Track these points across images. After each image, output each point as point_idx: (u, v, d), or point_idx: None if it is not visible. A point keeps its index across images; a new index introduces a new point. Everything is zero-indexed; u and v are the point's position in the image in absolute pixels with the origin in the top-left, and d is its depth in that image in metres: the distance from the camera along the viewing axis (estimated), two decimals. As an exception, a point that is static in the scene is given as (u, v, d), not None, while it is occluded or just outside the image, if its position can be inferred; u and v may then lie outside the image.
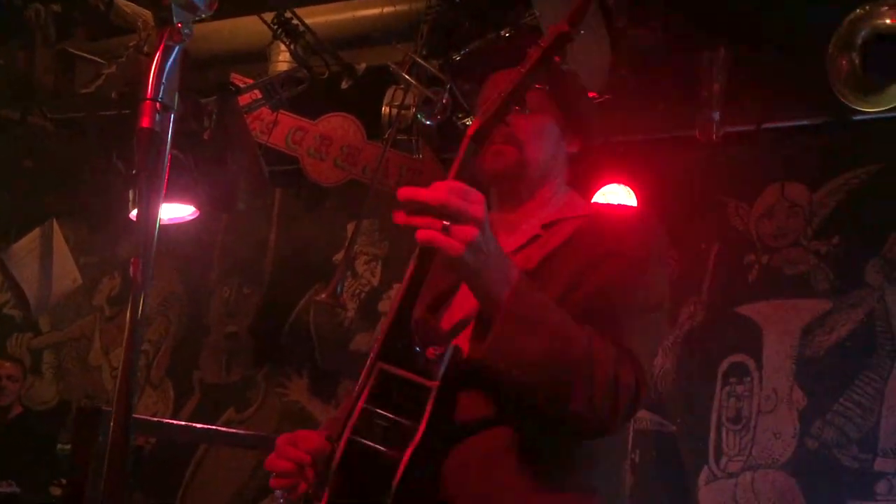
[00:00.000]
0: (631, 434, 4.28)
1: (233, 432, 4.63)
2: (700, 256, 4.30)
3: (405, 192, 1.33)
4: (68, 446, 4.35)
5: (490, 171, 1.65)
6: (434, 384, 1.41)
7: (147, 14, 3.71)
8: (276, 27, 3.66)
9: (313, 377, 5.13)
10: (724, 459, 4.05)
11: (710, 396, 4.13)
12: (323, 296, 3.59)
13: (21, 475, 4.82)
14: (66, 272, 4.83)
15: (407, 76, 3.43)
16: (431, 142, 4.02)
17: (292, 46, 3.68)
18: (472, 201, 1.32)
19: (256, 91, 3.87)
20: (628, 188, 4.19)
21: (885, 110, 3.48)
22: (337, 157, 4.41)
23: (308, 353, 5.23)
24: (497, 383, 1.43)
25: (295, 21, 3.64)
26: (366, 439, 1.40)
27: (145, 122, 1.08)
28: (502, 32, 3.28)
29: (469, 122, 3.07)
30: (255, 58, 4.11)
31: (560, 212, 1.67)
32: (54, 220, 4.75)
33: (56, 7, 4.14)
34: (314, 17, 3.83)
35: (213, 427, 4.66)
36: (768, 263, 4.16)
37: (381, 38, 3.86)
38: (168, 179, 1.12)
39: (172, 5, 1.13)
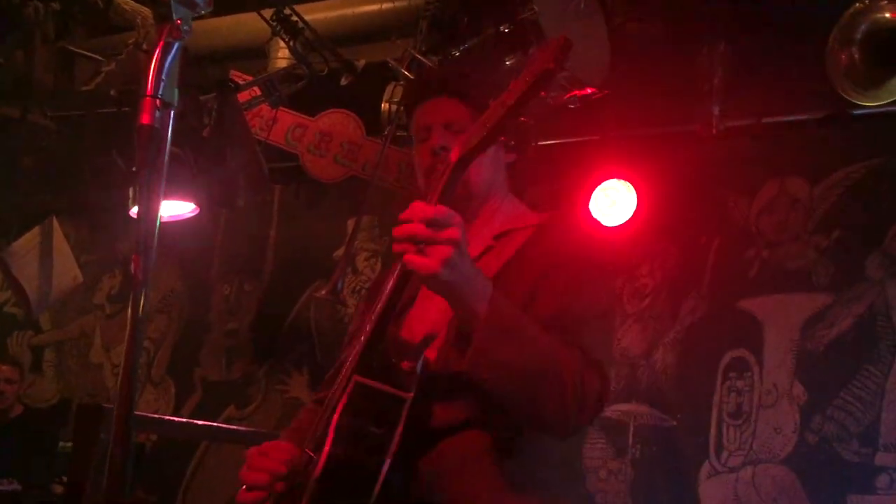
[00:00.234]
0: (632, 429, 4.29)
1: (234, 429, 4.63)
2: (700, 251, 4.30)
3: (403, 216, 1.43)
4: (70, 444, 4.34)
5: None
6: (409, 395, 1.49)
7: (146, 11, 3.71)
8: (275, 24, 3.65)
9: (314, 374, 5.13)
10: (724, 454, 4.05)
11: (710, 391, 4.13)
12: (323, 292, 3.60)
13: (23, 473, 4.82)
14: (67, 270, 4.82)
15: (406, 72, 3.43)
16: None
17: (291, 43, 3.68)
18: (450, 223, 1.40)
19: (256, 88, 3.87)
20: (628, 183, 4.19)
21: (885, 104, 3.48)
22: (337, 153, 4.41)
23: (309, 349, 5.23)
24: (476, 391, 1.50)
25: (294, 18, 3.64)
26: (346, 450, 1.46)
27: (145, 119, 1.08)
28: (501, 28, 3.28)
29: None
30: (255, 54, 4.11)
31: (509, 222, 1.77)
32: (54, 217, 4.74)
33: (55, 5, 4.14)
34: (313, 14, 3.83)
35: (214, 424, 4.67)
36: (769, 258, 4.16)
37: (381, 35, 3.86)
38: (168, 176, 1.12)
39: (172, 2, 1.12)
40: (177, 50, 1.11)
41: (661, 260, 4.40)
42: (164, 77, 1.08)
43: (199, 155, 3.55)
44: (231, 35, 4.21)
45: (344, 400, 1.50)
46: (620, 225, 4.20)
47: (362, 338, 1.55)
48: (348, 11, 3.98)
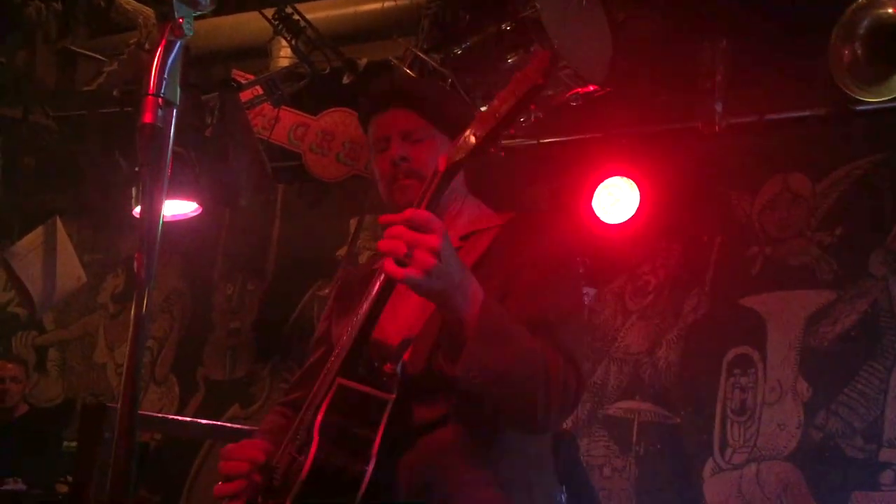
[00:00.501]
0: (636, 426, 4.29)
1: (238, 428, 4.62)
2: (703, 248, 4.30)
3: (384, 220, 1.49)
4: (74, 444, 4.35)
5: (399, 205, 1.75)
6: (391, 397, 1.54)
7: (148, 10, 3.71)
8: (277, 23, 3.65)
9: (317, 373, 5.13)
10: (728, 451, 4.05)
11: (714, 388, 4.13)
12: (326, 291, 3.60)
13: (27, 473, 4.83)
14: (71, 270, 4.82)
15: (408, 70, 3.43)
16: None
17: (293, 42, 3.67)
18: (432, 230, 1.43)
19: (258, 87, 3.87)
20: (630, 181, 4.19)
21: (888, 100, 3.47)
22: (339, 152, 4.41)
23: (312, 348, 5.23)
24: (455, 389, 1.53)
25: (296, 16, 3.64)
26: (331, 452, 1.50)
27: (147, 118, 1.07)
28: (503, 26, 3.28)
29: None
30: (257, 54, 4.10)
31: (473, 224, 1.79)
32: (57, 218, 4.74)
33: (57, 4, 4.14)
34: (315, 13, 3.83)
35: (218, 423, 4.67)
36: (772, 255, 4.16)
37: (382, 33, 3.86)
38: (170, 176, 1.12)
39: (173, 1, 1.12)
40: (179, 49, 1.11)
41: (663, 257, 4.40)
42: (166, 76, 1.08)
43: (201, 154, 3.55)
44: (233, 34, 4.21)
45: (327, 402, 1.54)
46: (623, 222, 4.20)
47: (346, 340, 1.58)
48: (350, 10, 3.98)
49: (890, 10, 3.31)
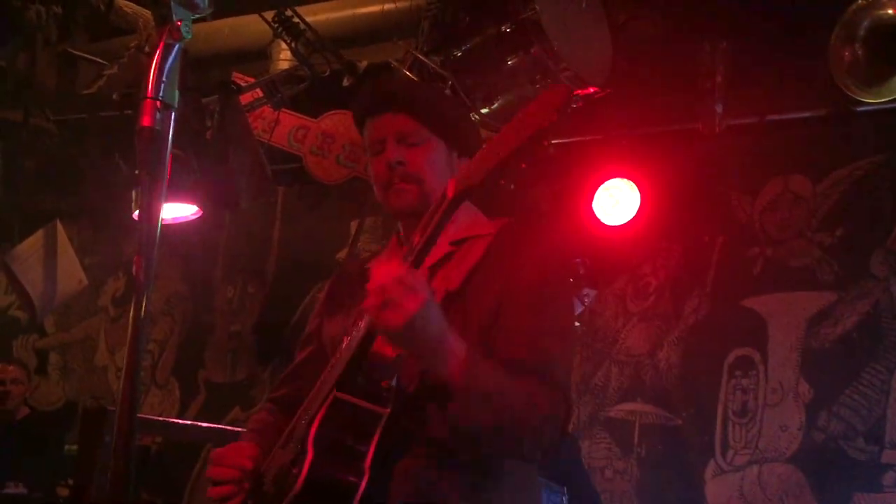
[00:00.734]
0: (637, 428, 4.28)
1: (239, 431, 4.62)
2: (704, 250, 4.29)
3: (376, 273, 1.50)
4: (75, 447, 4.35)
5: (395, 209, 1.78)
6: (386, 411, 1.56)
7: (147, 14, 3.71)
8: (276, 25, 3.65)
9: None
10: (730, 453, 4.05)
11: (715, 390, 4.12)
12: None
13: (28, 476, 4.83)
14: (72, 273, 4.82)
15: (408, 73, 3.42)
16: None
17: (293, 44, 3.67)
18: (410, 289, 1.44)
19: (258, 90, 3.87)
20: (631, 182, 4.19)
21: (889, 101, 3.47)
22: (339, 154, 4.41)
23: (313, 351, 5.22)
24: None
25: (296, 19, 3.64)
26: (326, 465, 1.53)
27: (146, 121, 1.07)
28: (503, 28, 3.27)
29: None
30: (257, 56, 4.11)
31: (465, 230, 1.78)
32: (58, 221, 4.74)
33: (57, 8, 4.14)
34: (315, 15, 3.83)
35: (219, 426, 4.66)
36: (772, 256, 4.15)
37: (382, 35, 3.86)
38: (170, 179, 1.11)
39: (172, 3, 1.12)
40: (177, 51, 1.10)
41: (664, 259, 4.39)
42: (164, 78, 1.08)
43: (201, 157, 3.55)
44: (233, 37, 4.21)
45: (322, 414, 1.56)
46: (623, 224, 4.20)
47: (344, 353, 1.60)
48: (350, 12, 3.98)
49: (890, 11, 3.31)
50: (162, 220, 1.11)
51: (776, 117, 4.03)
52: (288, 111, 4.25)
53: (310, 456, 1.52)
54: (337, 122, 4.41)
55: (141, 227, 1.07)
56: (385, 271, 1.47)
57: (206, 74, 4.16)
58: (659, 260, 4.40)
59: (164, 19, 1.10)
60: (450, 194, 1.49)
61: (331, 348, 1.80)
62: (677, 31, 3.78)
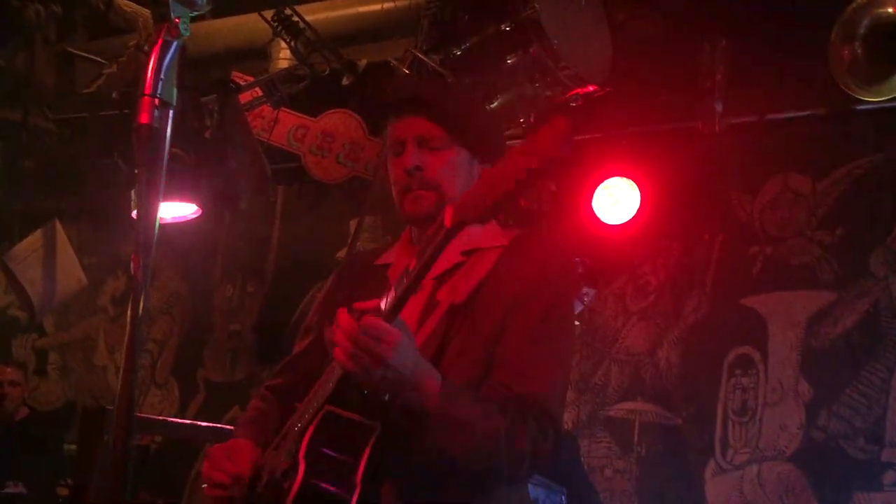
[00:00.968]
0: (637, 427, 4.28)
1: (238, 430, 4.61)
2: (704, 248, 4.29)
3: (342, 319, 1.53)
4: (75, 447, 4.35)
5: (411, 215, 1.76)
6: (377, 425, 1.57)
7: (147, 13, 3.71)
8: (276, 24, 3.65)
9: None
10: (730, 452, 4.04)
11: (715, 389, 4.12)
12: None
13: (28, 476, 4.83)
14: (71, 273, 4.81)
15: (408, 71, 3.42)
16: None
17: (293, 43, 3.67)
18: (383, 341, 1.46)
19: (257, 89, 3.86)
20: (630, 181, 4.18)
21: (888, 99, 3.47)
22: (339, 153, 4.40)
23: (312, 350, 5.21)
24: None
25: (295, 18, 3.63)
26: (317, 478, 1.54)
27: (144, 119, 1.07)
28: (503, 26, 3.27)
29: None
30: (256, 56, 4.10)
31: (477, 240, 1.76)
32: (57, 220, 4.74)
33: (56, 7, 4.13)
34: (314, 14, 3.82)
35: (219, 425, 4.66)
36: (772, 255, 4.15)
37: (382, 34, 3.85)
38: (170, 178, 1.11)
39: (170, 1, 1.11)
40: (175, 49, 1.10)
41: (664, 257, 4.39)
42: (162, 76, 1.08)
43: (200, 156, 3.55)
44: (232, 36, 4.20)
45: (313, 426, 1.58)
46: (623, 223, 4.19)
47: (337, 370, 1.60)
48: (349, 11, 3.97)
49: (890, 10, 3.30)
50: (160, 218, 1.11)
51: (776, 116, 4.03)
52: (287, 110, 4.25)
53: (301, 469, 1.54)
54: (336, 121, 4.41)
55: (139, 225, 1.06)
56: (347, 321, 1.50)
57: (205, 73, 4.15)
58: (659, 259, 4.40)
59: (162, 17, 1.10)
60: (447, 223, 1.47)
61: (330, 350, 1.80)
62: (677, 30, 3.78)
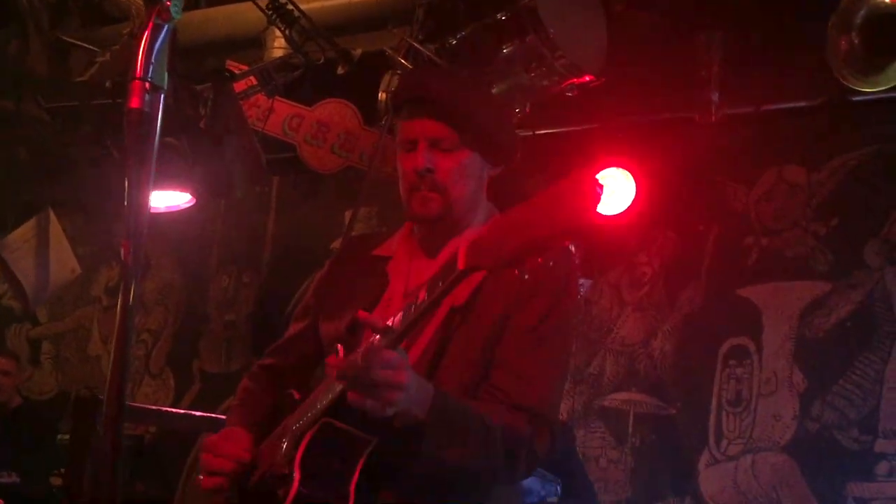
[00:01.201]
0: (631, 417, 4.28)
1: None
2: (699, 239, 4.29)
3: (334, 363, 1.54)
4: (68, 436, 4.34)
5: (417, 215, 1.77)
6: (373, 438, 1.59)
7: (140, 1, 3.68)
8: (270, 13, 3.62)
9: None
10: (724, 442, 4.05)
11: (709, 379, 4.12)
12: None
13: (22, 466, 4.82)
14: (65, 262, 4.80)
15: (403, 61, 3.40)
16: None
17: (287, 32, 3.65)
18: (397, 368, 1.45)
19: (252, 77, 3.84)
20: (626, 172, 4.17)
21: (885, 90, 3.46)
22: (334, 143, 4.39)
23: (307, 340, 5.21)
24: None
25: (290, 6, 3.61)
26: (311, 487, 1.57)
27: (134, 103, 1.05)
28: (499, 16, 3.26)
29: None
30: (251, 44, 4.08)
31: None
32: (50, 209, 4.72)
33: (49, -5, 4.11)
34: (309, 3, 3.80)
35: (214, 415, 4.66)
36: (767, 245, 4.15)
37: (377, 23, 3.83)
38: (164, 166, 1.10)
39: (161, -16, 1.10)
40: (166, 33, 1.08)
41: (659, 248, 4.39)
42: (153, 60, 1.06)
43: (195, 145, 3.53)
44: (226, 25, 4.18)
45: (309, 436, 1.60)
46: (619, 213, 4.18)
47: (337, 385, 1.59)
48: (344, 0, 3.95)
49: (886, 0, 3.29)
50: (152, 206, 1.10)
51: (772, 107, 4.02)
52: (282, 99, 4.23)
53: (297, 478, 1.56)
54: (332, 110, 4.39)
55: (129, 211, 1.05)
56: (347, 361, 1.48)
57: (199, 62, 4.13)
58: (654, 249, 4.40)
59: (152, 0, 1.09)
60: (460, 265, 1.46)
61: (328, 347, 1.79)
62: (673, 21, 3.76)
